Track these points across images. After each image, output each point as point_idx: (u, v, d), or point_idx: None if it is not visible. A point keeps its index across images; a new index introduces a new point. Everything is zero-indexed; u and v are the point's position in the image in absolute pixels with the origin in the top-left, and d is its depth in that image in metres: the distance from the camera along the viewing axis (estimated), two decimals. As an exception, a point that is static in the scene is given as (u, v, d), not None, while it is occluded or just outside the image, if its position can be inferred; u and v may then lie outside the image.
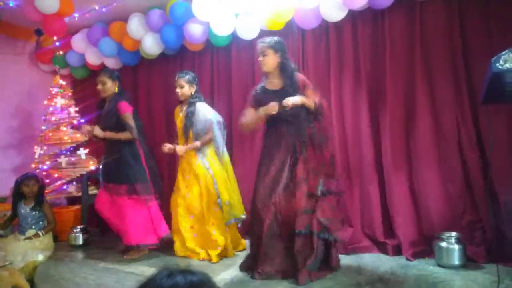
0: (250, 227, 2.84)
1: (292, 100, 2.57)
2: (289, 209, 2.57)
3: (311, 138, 2.68)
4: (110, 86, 3.40)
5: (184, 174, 3.38)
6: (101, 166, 3.54)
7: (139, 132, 3.41)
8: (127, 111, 3.35)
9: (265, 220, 2.58)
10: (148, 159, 3.51)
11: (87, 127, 3.38)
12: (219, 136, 3.36)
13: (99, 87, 3.40)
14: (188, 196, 3.29)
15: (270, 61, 2.75)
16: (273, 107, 2.60)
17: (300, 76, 2.78)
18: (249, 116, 2.80)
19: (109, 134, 3.33)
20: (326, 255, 2.65)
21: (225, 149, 3.45)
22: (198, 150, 3.30)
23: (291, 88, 2.68)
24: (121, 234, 3.39)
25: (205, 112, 3.33)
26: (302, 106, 2.65)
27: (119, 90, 3.46)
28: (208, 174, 3.25)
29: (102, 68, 3.87)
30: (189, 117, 3.30)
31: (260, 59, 2.77)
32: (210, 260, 3.14)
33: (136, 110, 3.56)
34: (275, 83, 2.79)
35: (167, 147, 3.36)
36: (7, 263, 2.62)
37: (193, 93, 3.36)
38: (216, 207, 3.21)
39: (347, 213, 3.31)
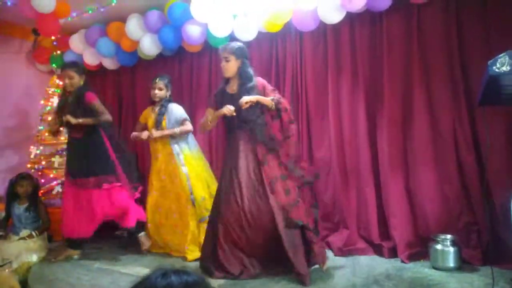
0: (211, 227, 2.85)
1: (246, 99, 2.64)
2: (262, 211, 2.65)
3: (271, 140, 2.74)
4: (77, 81, 3.37)
5: (159, 174, 3.49)
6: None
7: (107, 125, 3.43)
8: (94, 99, 3.35)
9: (233, 227, 2.67)
10: (119, 151, 3.50)
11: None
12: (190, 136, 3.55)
13: (66, 81, 3.35)
14: (170, 195, 3.44)
15: (231, 67, 2.83)
16: (228, 109, 2.69)
17: (259, 80, 2.87)
18: (206, 117, 2.91)
19: (82, 120, 3.26)
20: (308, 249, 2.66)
21: (197, 147, 3.59)
22: (174, 143, 3.41)
23: (246, 91, 2.74)
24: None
25: (178, 109, 3.52)
26: (261, 107, 2.74)
27: (84, 83, 3.44)
28: (182, 173, 3.34)
29: (68, 62, 3.83)
30: (162, 113, 3.46)
31: (223, 64, 2.83)
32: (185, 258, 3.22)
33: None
34: (233, 87, 2.88)
35: (142, 134, 3.45)
36: (6, 263, 2.61)
37: (168, 96, 3.53)
38: (189, 204, 3.29)
39: (343, 214, 3.32)
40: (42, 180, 4.19)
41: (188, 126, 3.46)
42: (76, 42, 4.39)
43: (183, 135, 3.45)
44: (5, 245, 3.36)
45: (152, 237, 3.49)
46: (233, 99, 2.76)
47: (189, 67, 4.25)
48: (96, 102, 3.33)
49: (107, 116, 3.33)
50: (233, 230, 2.68)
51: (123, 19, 4.03)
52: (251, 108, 2.69)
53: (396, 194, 3.10)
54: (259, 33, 3.57)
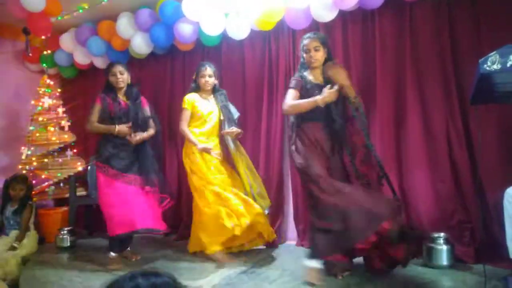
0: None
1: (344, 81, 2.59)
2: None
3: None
4: (126, 77, 3.29)
5: (220, 168, 3.28)
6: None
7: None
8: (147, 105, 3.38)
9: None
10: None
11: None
12: None
13: (118, 76, 3.22)
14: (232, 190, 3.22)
15: (321, 56, 2.74)
16: (330, 95, 2.55)
17: None
18: (300, 100, 2.68)
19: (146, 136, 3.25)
20: None
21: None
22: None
23: (329, 83, 2.65)
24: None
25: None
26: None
27: (132, 82, 3.36)
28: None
29: (114, 61, 3.60)
30: (226, 106, 3.35)
31: (312, 53, 2.71)
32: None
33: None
34: (318, 77, 2.78)
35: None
36: None
37: (217, 85, 3.42)
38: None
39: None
40: (34, 181, 4.14)
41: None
42: (67, 41, 4.34)
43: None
44: None
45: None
46: (320, 90, 2.63)
47: (181, 66, 4.22)
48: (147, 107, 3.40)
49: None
50: None
51: (113, 18, 4.00)
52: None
53: (389, 192, 3.08)
54: (252, 31, 3.54)
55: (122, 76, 3.24)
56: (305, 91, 2.72)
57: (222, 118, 3.32)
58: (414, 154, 3.04)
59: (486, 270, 2.19)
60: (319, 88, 2.68)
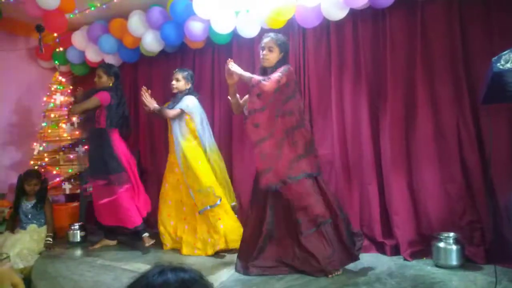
0: None
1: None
2: None
3: None
4: (105, 81, 3.58)
5: (172, 167, 3.53)
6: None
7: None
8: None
9: None
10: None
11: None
12: (201, 130, 3.47)
13: (95, 79, 3.62)
14: (181, 188, 3.48)
15: (274, 58, 2.79)
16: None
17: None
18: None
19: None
20: None
21: (211, 142, 3.53)
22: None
23: None
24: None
25: (188, 101, 3.48)
26: None
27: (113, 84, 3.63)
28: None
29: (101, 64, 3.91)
30: (174, 103, 3.51)
31: (265, 52, 2.78)
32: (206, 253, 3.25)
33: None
34: None
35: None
36: (4, 258, 2.61)
37: (187, 88, 3.55)
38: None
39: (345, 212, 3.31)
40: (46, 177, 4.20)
41: (176, 112, 3.47)
42: (79, 39, 4.38)
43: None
44: (6, 239, 3.39)
45: (160, 230, 3.54)
46: None
47: (191, 64, 4.24)
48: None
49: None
50: None
51: (125, 16, 4.03)
52: None
53: (399, 192, 3.08)
54: (262, 29, 3.54)
55: (99, 80, 3.60)
56: None
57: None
58: (424, 153, 3.02)
59: (497, 270, 2.17)
60: None
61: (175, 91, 3.55)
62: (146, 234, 3.45)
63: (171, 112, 3.40)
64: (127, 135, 3.80)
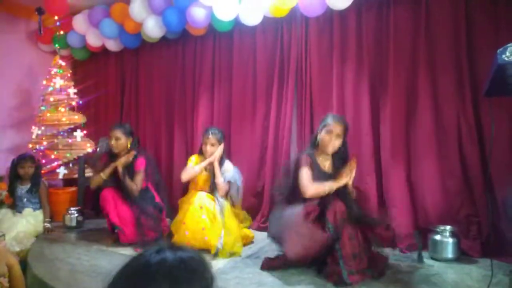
0: None
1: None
2: None
3: None
4: (124, 142, 3.29)
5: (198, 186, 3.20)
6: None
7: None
8: (141, 167, 3.28)
9: None
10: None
11: None
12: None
13: (112, 142, 3.27)
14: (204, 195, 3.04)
15: (339, 145, 2.60)
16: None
17: None
18: (321, 186, 2.46)
19: (128, 183, 3.21)
20: None
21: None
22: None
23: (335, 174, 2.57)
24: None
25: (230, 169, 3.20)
26: None
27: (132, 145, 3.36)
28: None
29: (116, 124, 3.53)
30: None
31: (334, 139, 2.56)
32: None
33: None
34: (323, 163, 2.64)
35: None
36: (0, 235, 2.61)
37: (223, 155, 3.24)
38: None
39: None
40: (43, 161, 4.19)
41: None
42: (80, 23, 4.35)
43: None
44: (11, 220, 3.40)
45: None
46: (327, 179, 2.51)
47: (193, 51, 4.21)
48: (141, 170, 3.27)
49: (134, 188, 3.21)
50: None
51: (127, 0, 3.99)
52: None
53: (397, 184, 3.08)
54: (265, 17, 3.51)
55: (117, 142, 3.26)
56: (313, 172, 2.55)
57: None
58: (424, 146, 3.01)
59: (492, 264, 2.18)
60: (323, 176, 2.53)
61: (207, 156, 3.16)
62: None
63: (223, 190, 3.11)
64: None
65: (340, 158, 2.63)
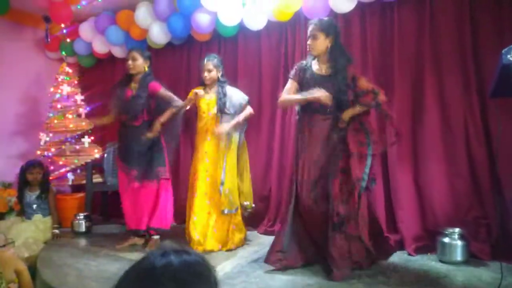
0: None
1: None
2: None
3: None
4: (141, 63, 3.20)
5: (204, 156, 3.19)
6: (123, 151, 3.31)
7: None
8: (158, 88, 3.20)
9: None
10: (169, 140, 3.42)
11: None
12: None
13: (129, 62, 3.18)
14: (208, 180, 3.17)
15: (320, 45, 2.56)
16: (326, 98, 2.43)
17: (350, 68, 2.61)
18: (292, 95, 2.61)
19: (163, 119, 3.19)
20: None
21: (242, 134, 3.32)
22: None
23: (340, 76, 2.52)
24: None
25: (237, 93, 3.28)
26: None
27: (148, 70, 3.26)
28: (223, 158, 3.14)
29: (134, 45, 3.58)
30: (222, 98, 3.18)
31: (310, 41, 2.58)
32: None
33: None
34: (323, 67, 2.63)
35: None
36: (9, 243, 2.64)
37: (220, 77, 3.25)
38: (217, 193, 3.13)
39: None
40: (52, 167, 4.23)
41: (249, 109, 3.26)
42: (86, 30, 4.40)
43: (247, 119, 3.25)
44: (18, 226, 3.43)
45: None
46: (325, 81, 2.53)
47: (198, 56, 4.23)
48: (161, 90, 3.21)
49: (178, 102, 3.22)
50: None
51: (132, 7, 4.03)
52: (345, 93, 2.52)
53: (404, 186, 3.06)
54: (269, 22, 3.53)
55: (134, 63, 3.19)
56: (305, 81, 2.61)
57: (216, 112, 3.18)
58: (431, 147, 3.00)
59: (502, 267, 2.15)
60: (320, 80, 2.56)
61: (208, 82, 3.22)
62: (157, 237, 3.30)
63: (248, 113, 3.24)
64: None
65: (335, 60, 2.57)
